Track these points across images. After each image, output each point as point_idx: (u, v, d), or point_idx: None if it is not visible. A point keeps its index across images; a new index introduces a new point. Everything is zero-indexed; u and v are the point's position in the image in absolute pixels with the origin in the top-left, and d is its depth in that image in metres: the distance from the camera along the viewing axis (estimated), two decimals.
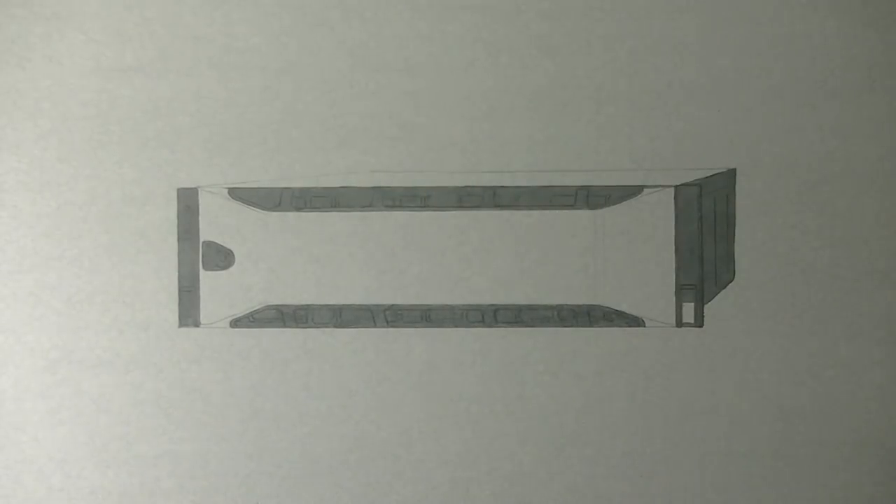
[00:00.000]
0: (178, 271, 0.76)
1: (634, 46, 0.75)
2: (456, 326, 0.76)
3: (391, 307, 0.76)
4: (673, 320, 0.75)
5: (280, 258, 0.76)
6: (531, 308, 0.76)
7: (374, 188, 0.76)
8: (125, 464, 0.76)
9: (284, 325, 0.76)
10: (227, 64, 0.76)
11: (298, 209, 0.76)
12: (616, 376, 0.75)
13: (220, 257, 0.76)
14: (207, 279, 0.76)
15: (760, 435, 0.75)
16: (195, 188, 0.76)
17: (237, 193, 0.77)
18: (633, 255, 0.75)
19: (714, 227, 0.75)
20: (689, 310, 0.75)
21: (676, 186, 0.75)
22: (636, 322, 0.75)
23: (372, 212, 0.76)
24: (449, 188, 0.76)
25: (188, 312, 0.76)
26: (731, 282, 0.75)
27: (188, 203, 0.76)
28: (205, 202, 0.76)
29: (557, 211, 0.76)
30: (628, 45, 0.76)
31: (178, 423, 0.76)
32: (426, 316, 0.76)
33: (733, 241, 0.75)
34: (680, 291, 0.75)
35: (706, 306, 0.75)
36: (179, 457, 0.76)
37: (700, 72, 0.75)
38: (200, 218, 0.76)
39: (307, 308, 0.76)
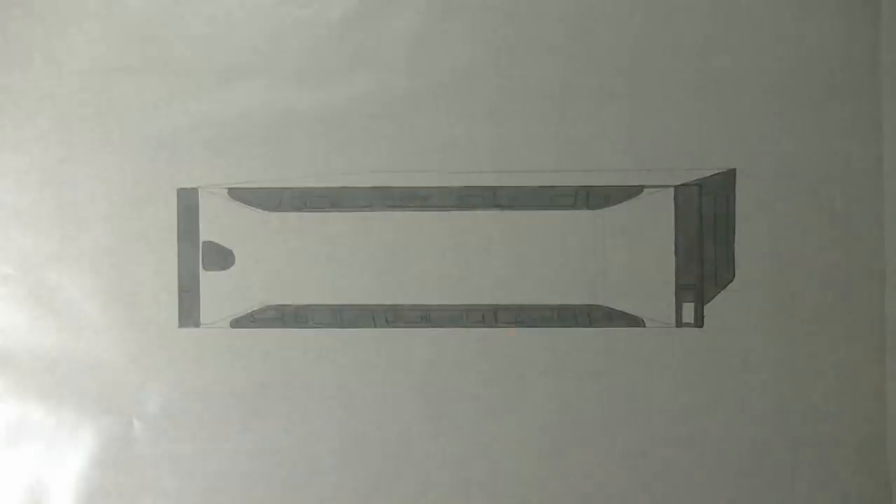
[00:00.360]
0: (178, 271, 0.76)
1: (634, 46, 0.75)
2: (456, 326, 0.76)
3: (391, 307, 0.76)
4: (673, 320, 0.75)
5: (280, 258, 0.76)
6: (531, 308, 0.76)
7: (374, 188, 0.76)
8: (125, 464, 0.76)
9: (284, 325, 0.76)
10: (227, 64, 0.76)
11: (298, 209, 0.76)
12: (616, 376, 0.75)
13: (220, 257, 0.76)
14: (207, 279, 0.76)
15: (760, 435, 0.75)
16: (195, 188, 0.76)
17: (237, 193, 0.77)
18: (633, 255, 0.75)
19: (714, 227, 0.75)
20: (689, 310, 0.75)
21: (676, 186, 0.75)
22: (636, 322, 0.75)
23: (372, 212, 0.76)
24: (449, 188, 0.76)
25: (188, 312, 0.76)
26: (731, 282, 0.75)
27: (188, 203, 0.76)
28: (205, 202, 0.76)
29: (557, 211, 0.76)
30: (628, 45, 0.76)
31: (178, 423, 0.76)
32: (426, 316, 0.76)
33: (733, 241, 0.75)
34: (680, 291, 0.75)
35: (706, 306, 0.75)
36: (179, 457, 0.76)
37: (700, 72, 0.75)
38: (200, 218, 0.76)
39: (307, 308, 0.76)
